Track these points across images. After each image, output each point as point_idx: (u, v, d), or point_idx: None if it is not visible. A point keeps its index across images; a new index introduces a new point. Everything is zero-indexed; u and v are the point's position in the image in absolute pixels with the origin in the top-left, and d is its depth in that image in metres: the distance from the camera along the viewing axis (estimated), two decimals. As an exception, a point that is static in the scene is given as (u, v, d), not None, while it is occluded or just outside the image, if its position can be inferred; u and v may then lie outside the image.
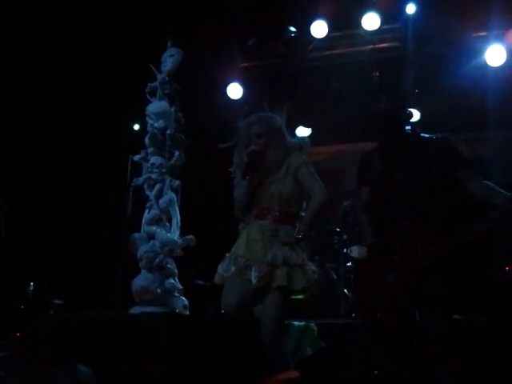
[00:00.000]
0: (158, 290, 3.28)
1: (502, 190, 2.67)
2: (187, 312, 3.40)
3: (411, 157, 2.83)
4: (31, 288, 5.63)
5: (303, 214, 2.98)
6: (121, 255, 6.03)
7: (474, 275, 4.03)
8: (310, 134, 6.48)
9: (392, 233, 2.80)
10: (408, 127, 2.86)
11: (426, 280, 2.66)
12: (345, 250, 5.33)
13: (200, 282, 5.72)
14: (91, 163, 6.39)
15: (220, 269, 2.95)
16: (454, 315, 3.07)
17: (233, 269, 2.87)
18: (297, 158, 3.00)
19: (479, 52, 5.61)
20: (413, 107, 3.57)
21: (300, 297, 2.91)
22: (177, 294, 3.38)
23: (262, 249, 2.88)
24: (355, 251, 5.20)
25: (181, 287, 3.44)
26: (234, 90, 6.55)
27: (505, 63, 5.50)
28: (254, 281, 2.80)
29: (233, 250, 2.98)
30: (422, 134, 2.93)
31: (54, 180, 6.22)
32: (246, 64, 6.70)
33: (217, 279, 2.96)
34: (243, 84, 6.54)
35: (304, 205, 3.01)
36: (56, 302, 5.64)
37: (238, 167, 3.08)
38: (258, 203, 2.98)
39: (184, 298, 3.40)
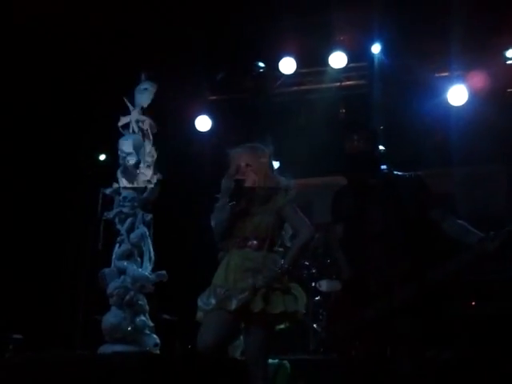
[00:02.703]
0: (129, 328, 3.18)
1: (474, 230, 2.71)
2: (158, 350, 3.31)
3: (385, 194, 2.86)
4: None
5: (287, 245, 2.99)
6: (82, 290, 5.86)
7: (441, 311, 4.09)
8: (278, 168, 6.53)
9: (367, 269, 2.82)
10: (383, 166, 2.91)
11: (401, 317, 2.68)
12: (313, 284, 5.33)
13: (166, 317, 5.59)
14: (52, 196, 6.25)
15: (200, 302, 2.89)
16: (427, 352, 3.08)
17: (213, 301, 2.82)
18: (283, 196, 3.03)
19: (442, 91, 5.81)
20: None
21: (282, 326, 2.89)
22: (148, 332, 3.30)
23: (243, 276, 2.86)
24: (324, 285, 5.21)
25: (152, 324, 3.35)
26: (203, 123, 6.57)
27: (466, 103, 5.71)
28: (233, 307, 2.75)
29: (213, 281, 2.94)
30: (395, 172, 2.98)
31: (17, 211, 6.05)
32: (214, 97, 6.75)
33: (199, 314, 2.90)
34: (212, 117, 6.57)
35: (284, 237, 3.03)
36: (15, 336, 5.41)
37: (224, 193, 3.08)
38: (239, 232, 2.98)
39: (155, 336, 3.31)
